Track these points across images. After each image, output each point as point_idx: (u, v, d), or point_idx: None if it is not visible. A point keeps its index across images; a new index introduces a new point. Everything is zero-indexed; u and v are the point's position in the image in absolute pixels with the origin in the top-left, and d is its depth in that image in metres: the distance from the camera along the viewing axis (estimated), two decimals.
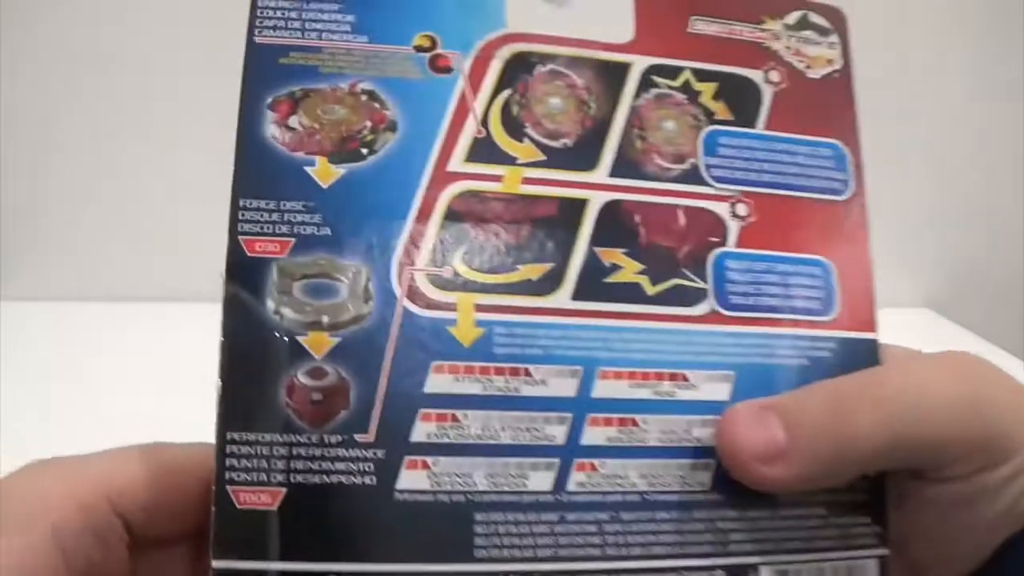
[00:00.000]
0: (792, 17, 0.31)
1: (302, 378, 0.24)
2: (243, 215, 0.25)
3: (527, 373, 0.26)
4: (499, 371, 0.25)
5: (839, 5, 0.32)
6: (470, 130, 0.27)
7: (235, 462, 0.24)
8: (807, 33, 0.31)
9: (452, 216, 0.26)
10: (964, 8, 0.64)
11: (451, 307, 0.26)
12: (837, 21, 0.32)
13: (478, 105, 0.27)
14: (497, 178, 0.27)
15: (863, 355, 0.28)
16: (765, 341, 0.28)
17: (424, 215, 0.26)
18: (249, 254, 0.25)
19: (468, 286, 0.26)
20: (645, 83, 0.29)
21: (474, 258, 0.26)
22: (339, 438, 0.24)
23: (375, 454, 0.24)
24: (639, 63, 0.29)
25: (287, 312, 0.25)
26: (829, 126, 0.30)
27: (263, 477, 0.24)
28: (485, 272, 0.26)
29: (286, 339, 0.24)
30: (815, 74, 0.31)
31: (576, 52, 0.29)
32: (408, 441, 0.25)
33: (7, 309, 0.74)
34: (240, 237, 0.25)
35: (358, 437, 0.24)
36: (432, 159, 0.27)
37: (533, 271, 0.26)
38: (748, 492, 0.26)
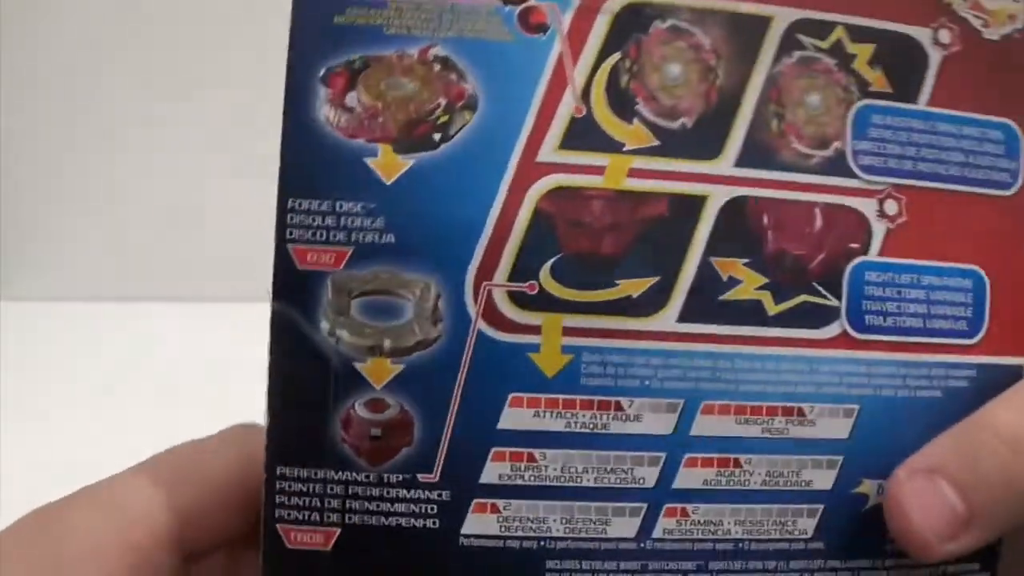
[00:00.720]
0: None
1: (360, 410, 0.21)
2: (292, 219, 0.21)
3: (618, 407, 0.22)
4: (586, 405, 0.21)
5: None
6: (567, 108, 0.22)
7: (285, 499, 0.21)
8: None
9: (541, 218, 0.21)
10: None
11: (535, 330, 0.21)
12: None
13: (578, 75, 0.22)
14: (598, 170, 0.22)
15: (1004, 383, 0.23)
16: (898, 369, 0.23)
17: (507, 218, 0.21)
18: (300, 266, 0.21)
19: (556, 305, 0.21)
20: (788, 43, 0.23)
21: (566, 271, 0.21)
22: (400, 477, 0.21)
23: (440, 495, 0.21)
24: (783, 16, 0.23)
25: (344, 335, 0.21)
26: (1003, 102, 0.24)
27: (316, 516, 0.21)
28: (577, 288, 0.21)
29: (342, 366, 0.21)
30: (993, 34, 0.24)
31: (706, 3, 0.22)
32: (477, 482, 0.21)
33: (7, 309, 0.72)
34: (289, 246, 0.21)
35: (421, 477, 0.21)
36: (519, 146, 0.21)
37: (635, 286, 0.22)
38: (852, 540, 0.22)
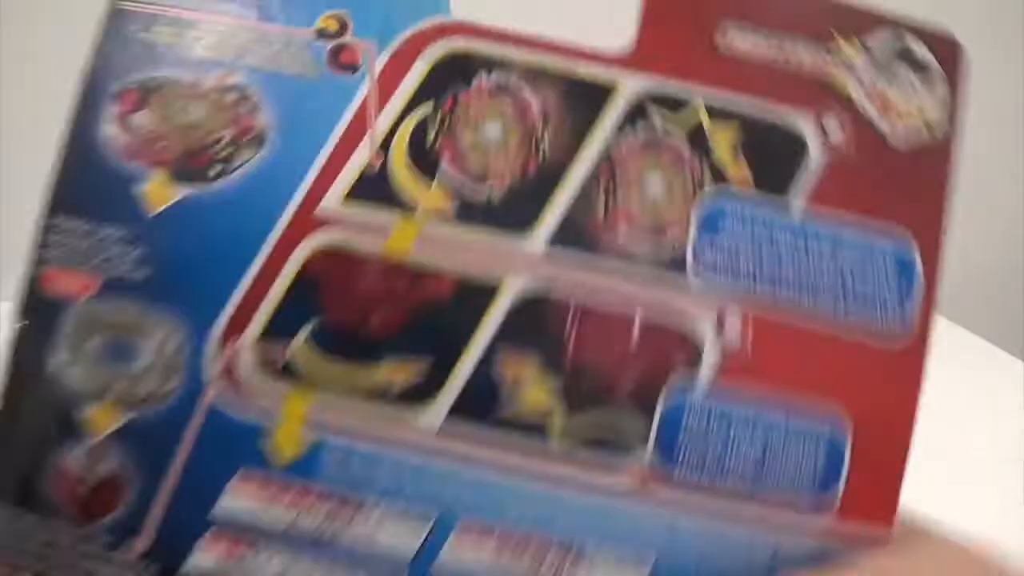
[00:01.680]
0: (880, 40, 0.20)
1: (74, 460, 0.18)
2: (50, 237, 0.19)
3: (359, 509, 0.18)
4: (322, 500, 0.18)
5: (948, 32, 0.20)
6: (362, 157, 0.19)
7: None
8: (900, 69, 0.20)
9: (307, 278, 0.18)
10: (965, 7, 0.56)
11: (278, 403, 0.18)
12: (949, 56, 0.20)
13: (382, 121, 0.19)
14: (383, 231, 0.19)
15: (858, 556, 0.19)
16: (714, 525, 0.19)
17: (270, 271, 0.18)
18: (48, 290, 0.18)
19: (306, 379, 0.18)
20: (634, 116, 0.19)
21: (324, 343, 0.18)
22: (106, 540, 0.18)
23: (146, 569, 0.18)
24: (631, 84, 0.19)
25: (74, 374, 0.18)
26: (902, 221, 0.19)
27: (13, 558, 0.18)
28: (334, 364, 0.18)
29: (66, 407, 0.18)
30: (899, 139, 0.20)
31: (541, 60, 0.19)
32: (184, 564, 0.18)
33: (7, 309, 0.73)
34: (42, 267, 0.18)
35: (127, 545, 0.18)
36: (300, 193, 0.19)
37: (399, 373, 0.18)
38: None
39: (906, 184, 0.19)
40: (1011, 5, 0.59)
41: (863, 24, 0.19)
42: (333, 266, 0.18)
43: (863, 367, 0.19)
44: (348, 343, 0.18)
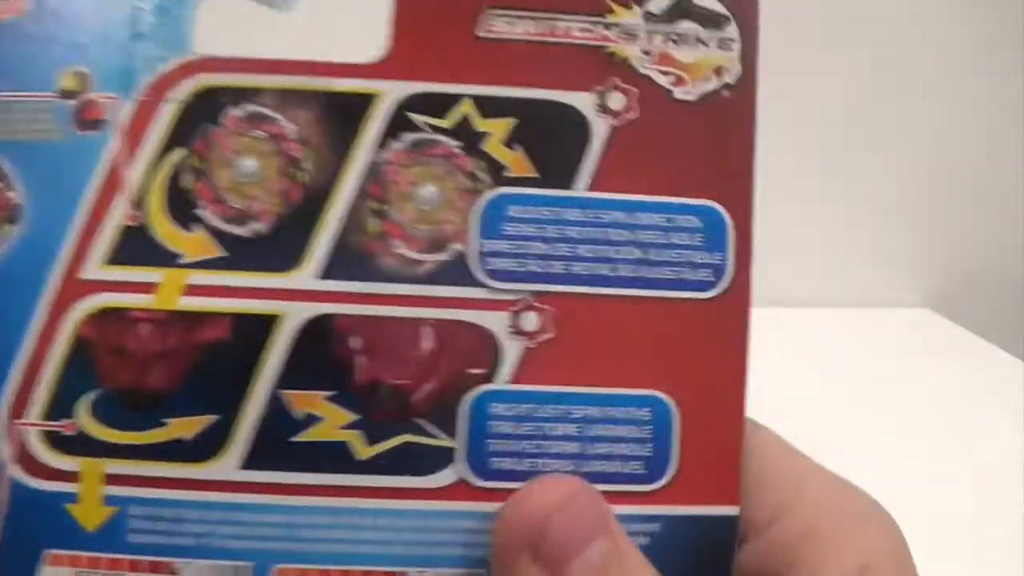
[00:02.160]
0: (660, 0, 0.18)
1: None
2: None
3: (171, 571, 0.18)
4: (135, 566, 0.18)
5: None
6: (119, 215, 0.18)
7: None
8: (685, 26, 0.18)
9: (81, 346, 0.18)
10: (965, 7, 0.57)
11: (73, 476, 0.18)
12: (739, 3, 0.18)
13: (134, 176, 0.18)
14: (149, 287, 0.18)
15: (704, 539, 0.18)
16: None
17: (43, 346, 0.18)
18: None
19: (97, 448, 0.18)
20: (397, 124, 0.18)
21: (106, 408, 0.18)
22: None
23: None
24: (391, 92, 0.18)
25: None
26: (702, 178, 0.18)
27: None
28: (120, 429, 0.18)
29: None
30: (688, 92, 0.18)
31: (293, 82, 0.18)
32: None
33: None
34: None
35: None
36: (61, 263, 0.18)
37: (187, 427, 0.18)
38: None
39: (704, 140, 0.18)
40: (1011, 5, 0.57)
41: None
42: (104, 331, 0.18)
43: (678, 339, 0.18)
44: (130, 407, 0.17)
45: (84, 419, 0.17)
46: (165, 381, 0.18)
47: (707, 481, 0.18)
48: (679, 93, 0.18)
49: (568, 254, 0.18)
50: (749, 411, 0.18)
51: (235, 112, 0.18)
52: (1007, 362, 0.49)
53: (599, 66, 0.18)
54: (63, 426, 0.18)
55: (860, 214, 0.59)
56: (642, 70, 0.18)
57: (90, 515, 0.17)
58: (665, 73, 0.18)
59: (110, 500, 0.17)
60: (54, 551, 0.17)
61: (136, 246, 0.18)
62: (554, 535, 0.16)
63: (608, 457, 0.18)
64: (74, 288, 0.18)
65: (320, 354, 0.17)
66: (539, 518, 0.16)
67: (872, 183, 0.59)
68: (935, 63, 0.58)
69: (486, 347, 0.18)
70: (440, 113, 0.18)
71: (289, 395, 0.17)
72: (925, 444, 0.38)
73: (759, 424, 0.18)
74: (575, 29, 0.18)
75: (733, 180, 0.18)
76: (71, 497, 0.17)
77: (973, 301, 0.58)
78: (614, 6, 0.18)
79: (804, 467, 0.18)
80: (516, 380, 0.18)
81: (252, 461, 0.17)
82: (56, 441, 0.18)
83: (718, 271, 0.18)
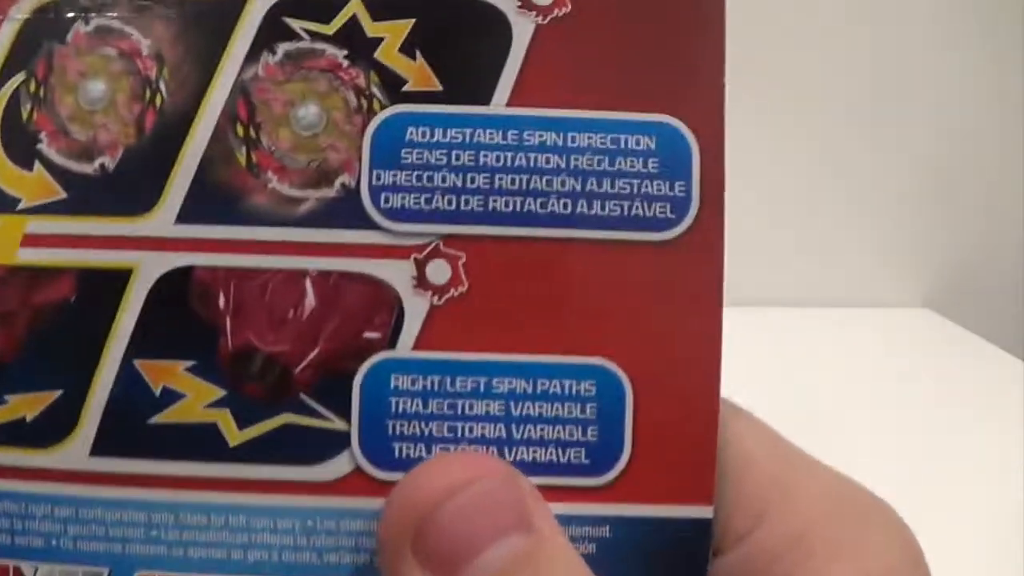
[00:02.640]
0: None
1: None
2: None
3: (18, 574, 0.14)
4: None
5: None
6: None
7: None
8: None
9: None
10: (965, 6, 0.57)
11: None
12: None
13: None
14: None
15: (672, 551, 0.14)
16: None
17: None
18: None
19: None
20: (270, 34, 0.15)
21: None
22: None
23: None
24: None
25: None
26: (656, 87, 0.14)
27: None
28: None
29: None
30: None
31: None
32: None
33: None
34: None
35: None
36: None
37: (29, 404, 0.14)
38: None
39: (656, 37, 0.14)
40: (1011, 5, 0.56)
41: None
42: None
43: (629, 292, 0.14)
44: None
45: None
46: (3, 347, 0.14)
47: (670, 474, 0.14)
48: None
49: (485, 186, 0.14)
50: (742, 408, 0.14)
51: (82, 28, 0.15)
52: (1007, 362, 0.47)
53: None
54: None
55: (860, 214, 0.59)
56: None
57: None
58: None
59: None
60: None
61: None
62: (444, 528, 0.12)
63: (541, 442, 0.14)
64: None
65: (179, 315, 0.14)
66: (427, 505, 0.12)
67: (872, 183, 0.59)
68: (935, 63, 0.57)
69: (384, 305, 0.14)
70: (322, 16, 0.14)
71: (144, 366, 0.14)
72: (925, 444, 0.38)
73: (738, 407, 0.14)
74: None
75: (697, 88, 0.14)
76: None
77: (973, 301, 0.58)
78: None
79: (793, 459, 0.14)
80: (422, 346, 0.14)
81: (104, 446, 0.14)
82: None
83: (679, 205, 0.14)
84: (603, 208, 0.14)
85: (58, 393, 0.14)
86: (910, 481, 0.33)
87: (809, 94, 0.55)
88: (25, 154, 0.15)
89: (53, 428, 0.14)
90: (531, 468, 0.14)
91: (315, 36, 0.14)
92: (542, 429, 0.14)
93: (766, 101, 0.52)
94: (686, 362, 0.14)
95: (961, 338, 0.51)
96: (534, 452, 0.14)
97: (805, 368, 0.44)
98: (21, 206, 0.14)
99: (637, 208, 0.14)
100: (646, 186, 0.14)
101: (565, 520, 0.14)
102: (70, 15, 0.15)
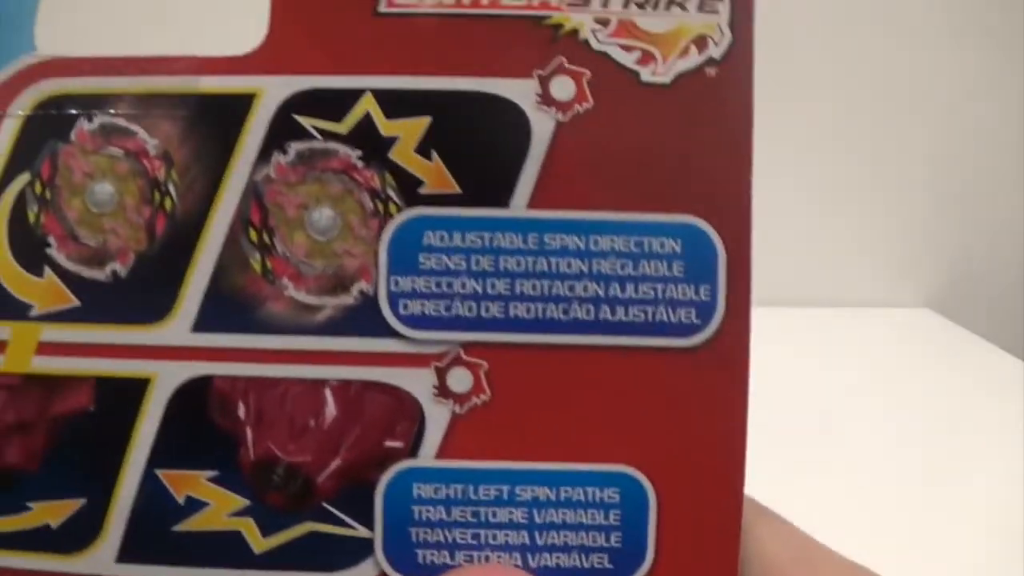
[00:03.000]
0: None
1: None
2: None
3: None
4: None
5: None
6: None
7: None
8: None
9: None
10: (966, 6, 0.55)
11: None
12: None
13: None
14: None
15: None
16: None
17: None
18: None
19: None
20: (282, 131, 0.14)
21: None
22: None
23: None
24: (274, 90, 0.14)
25: None
26: (682, 188, 0.13)
27: None
28: None
29: None
30: (659, 72, 0.13)
31: (153, 84, 0.14)
32: None
33: None
34: None
35: None
36: None
37: (54, 512, 0.14)
38: None
39: (682, 136, 0.13)
40: (1011, 5, 0.55)
41: None
42: None
43: (653, 399, 0.13)
44: None
45: None
46: (23, 458, 0.14)
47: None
48: (647, 74, 0.13)
49: (506, 292, 0.14)
50: (767, 509, 0.14)
51: (86, 126, 0.14)
52: (1007, 362, 0.47)
53: (539, 42, 0.13)
54: None
55: (860, 214, 0.58)
56: (597, 46, 0.13)
57: None
58: (628, 48, 0.13)
59: None
60: None
61: None
62: None
63: (565, 549, 0.14)
64: None
65: (199, 425, 0.14)
66: None
67: (872, 183, 0.58)
68: (936, 62, 0.56)
69: (405, 414, 0.14)
70: (334, 114, 0.14)
71: (167, 475, 0.14)
72: (925, 444, 0.37)
73: (762, 507, 0.14)
74: None
75: (723, 188, 0.13)
76: None
77: (973, 301, 0.57)
78: None
79: (819, 561, 0.14)
80: (445, 455, 0.14)
81: (130, 553, 0.14)
82: None
83: (705, 310, 0.13)
84: (626, 314, 0.14)
85: (81, 501, 0.14)
86: (910, 481, 0.33)
87: (809, 94, 0.54)
88: (34, 259, 0.14)
89: (78, 535, 0.14)
90: (555, 575, 0.14)
91: (327, 135, 0.14)
92: (566, 536, 0.14)
93: (765, 101, 0.51)
94: (710, 468, 0.14)
95: (961, 338, 0.51)
96: (557, 559, 0.14)
97: (805, 368, 0.44)
98: (34, 313, 0.14)
99: (661, 314, 0.14)
100: (671, 291, 0.14)
101: None
102: (72, 111, 0.14)
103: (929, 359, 0.48)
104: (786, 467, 0.27)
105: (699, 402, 0.14)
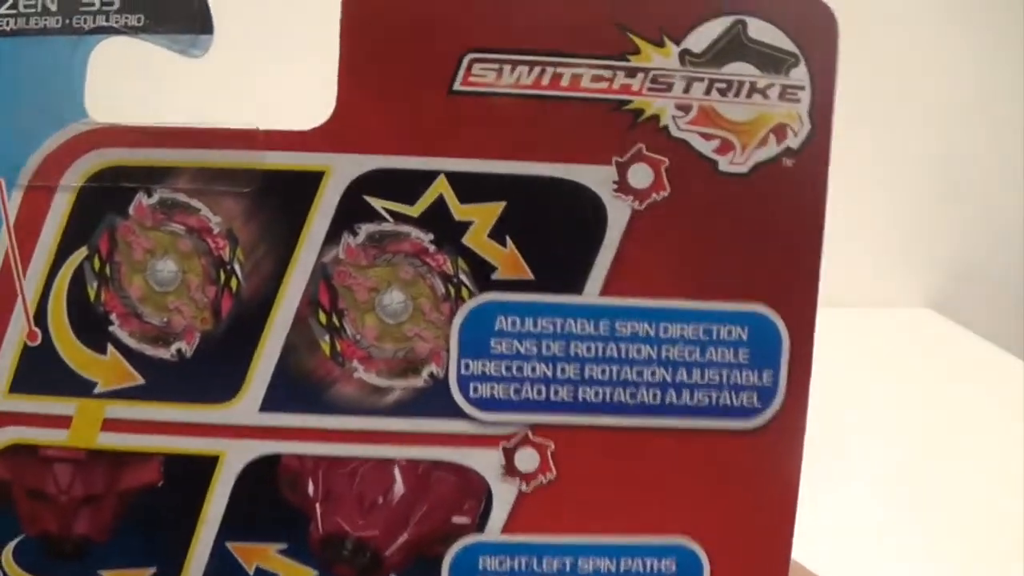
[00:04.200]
0: (706, 34, 0.13)
1: None
2: None
3: None
4: None
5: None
6: (17, 333, 0.14)
7: None
8: (736, 69, 0.13)
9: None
10: (966, 6, 0.54)
11: None
12: (813, 37, 0.13)
13: (29, 283, 0.14)
14: (63, 420, 0.14)
15: None
16: None
17: None
18: None
19: None
20: (350, 212, 0.13)
21: (31, 557, 0.14)
22: None
23: None
24: (342, 169, 0.13)
25: None
26: (752, 277, 0.13)
27: None
28: None
29: None
30: (737, 162, 0.13)
31: (216, 157, 0.13)
32: None
33: None
34: None
35: None
36: None
37: None
38: None
39: (755, 226, 0.13)
40: (1011, 6, 0.53)
41: (677, 17, 0.13)
42: (18, 471, 0.14)
43: (711, 476, 0.14)
44: (56, 555, 0.14)
45: (8, 568, 0.14)
46: (93, 528, 0.14)
47: None
48: (725, 164, 0.13)
49: (575, 377, 0.13)
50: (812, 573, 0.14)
51: (145, 200, 0.13)
52: (1007, 362, 0.47)
53: (618, 128, 0.13)
54: None
55: (860, 214, 0.58)
56: (676, 133, 0.13)
57: None
58: (707, 136, 0.13)
59: None
60: None
61: (41, 370, 0.14)
62: None
63: None
64: None
65: (268, 501, 0.14)
66: None
67: (872, 183, 0.57)
68: (935, 62, 0.55)
69: (472, 491, 0.14)
70: (405, 196, 0.13)
71: (237, 548, 0.14)
72: (925, 444, 0.37)
73: (807, 571, 0.14)
74: (586, 77, 0.13)
75: (793, 279, 0.13)
76: None
77: (973, 301, 0.57)
78: (641, 44, 0.13)
79: None
80: (510, 530, 0.14)
81: None
82: None
83: (766, 394, 0.14)
84: (691, 398, 0.14)
85: (152, 570, 0.14)
86: (910, 481, 0.33)
87: None
88: (97, 337, 0.14)
89: None
90: None
91: (399, 217, 0.13)
92: None
93: None
94: (761, 539, 0.14)
95: (962, 338, 0.51)
96: None
97: None
98: (98, 390, 0.14)
99: (725, 398, 0.14)
100: (735, 376, 0.14)
101: None
102: (129, 183, 0.13)
103: (929, 359, 0.48)
104: None
105: (755, 478, 0.14)
